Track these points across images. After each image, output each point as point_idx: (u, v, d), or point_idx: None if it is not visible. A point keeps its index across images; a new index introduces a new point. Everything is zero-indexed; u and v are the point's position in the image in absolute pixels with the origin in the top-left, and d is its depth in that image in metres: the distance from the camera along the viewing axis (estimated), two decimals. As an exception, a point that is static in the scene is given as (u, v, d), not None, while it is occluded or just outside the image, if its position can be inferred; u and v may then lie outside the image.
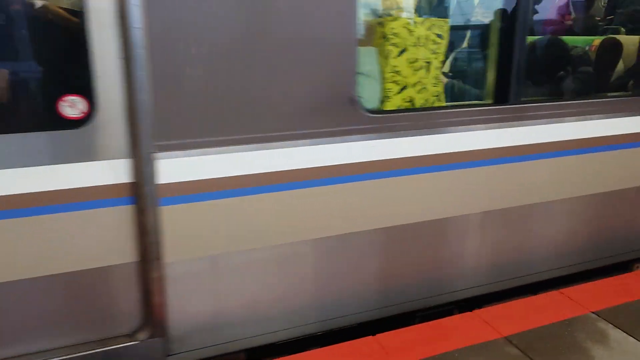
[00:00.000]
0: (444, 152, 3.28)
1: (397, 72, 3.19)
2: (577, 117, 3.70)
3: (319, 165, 2.96)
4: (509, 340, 3.13)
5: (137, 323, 2.87)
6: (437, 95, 3.35)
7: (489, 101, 3.52)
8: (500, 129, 3.45)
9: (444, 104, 3.42)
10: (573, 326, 3.28)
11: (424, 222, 3.37)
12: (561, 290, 3.73)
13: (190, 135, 2.66)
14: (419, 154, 3.23)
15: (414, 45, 3.20)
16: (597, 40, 4.30)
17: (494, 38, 3.47)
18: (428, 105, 3.33)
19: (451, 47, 3.83)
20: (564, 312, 3.44)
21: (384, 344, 3.10)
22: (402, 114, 3.19)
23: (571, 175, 3.76)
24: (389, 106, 3.21)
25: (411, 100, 3.27)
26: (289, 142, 2.86)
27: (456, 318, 3.39)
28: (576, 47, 4.19)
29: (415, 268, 3.46)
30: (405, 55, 3.19)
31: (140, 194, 2.63)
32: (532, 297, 3.67)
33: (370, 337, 3.17)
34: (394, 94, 3.21)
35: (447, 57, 3.83)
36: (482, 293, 3.78)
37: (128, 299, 2.81)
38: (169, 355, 2.96)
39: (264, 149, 2.81)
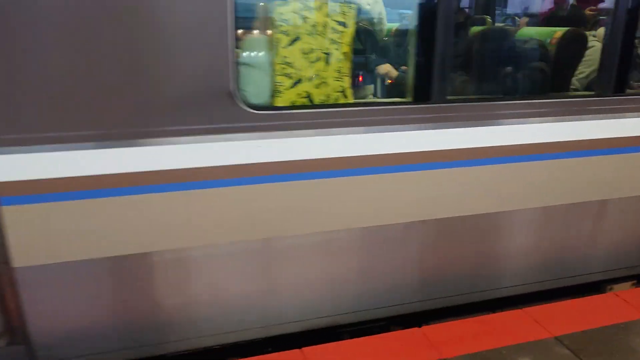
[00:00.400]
0: (346, 155, 2.91)
1: (289, 64, 2.82)
2: (520, 119, 3.25)
3: (187, 166, 2.65)
4: (559, 340, 3.06)
5: None
6: (341, 91, 2.96)
7: (408, 99, 3.11)
8: (419, 131, 3.04)
9: (352, 100, 3.03)
10: (629, 330, 3.17)
11: (301, 235, 3.03)
12: (616, 292, 3.70)
13: (31, 130, 2.40)
14: (314, 157, 2.86)
15: (309, 34, 2.83)
16: (558, 32, 3.79)
17: (415, 26, 3.05)
18: (331, 102, 2.95)
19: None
20: (620, 315, 3.33)
21: (430, 336, 3.08)
22: (293, 111, 2.84)
23: (506, 185, 3.30)
24: (281, 102, 2.85)
25: (308, 96, 2.90)
26: (148, 140, 2.56)
27: (504, 315, 3.33)
28: (529, 39, 3.70)
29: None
30: (298, 45, 2.82)
31: None
32: (584, 297, 3.59)
33: (416, 328, 3.15)
34: (287, 89, 2.85)
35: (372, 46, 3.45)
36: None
37: None
38: (35, 363, 2.74)
39: (116, 147, 2.52)
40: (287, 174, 2.84)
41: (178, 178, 2.66)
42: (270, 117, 2.79)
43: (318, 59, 2.87)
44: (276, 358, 2.90)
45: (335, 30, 2.87)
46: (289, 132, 2.82)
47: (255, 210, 2.83)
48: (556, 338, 3.08)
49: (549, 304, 3.46)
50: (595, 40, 3.93)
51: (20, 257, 2.54)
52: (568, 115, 3.37)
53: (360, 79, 3.43)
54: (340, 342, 3.11)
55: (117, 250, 2.69)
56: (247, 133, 2.75)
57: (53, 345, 2.77)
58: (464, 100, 3.21)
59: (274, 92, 2.85)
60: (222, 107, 2.66)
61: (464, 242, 3.38)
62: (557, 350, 2.97)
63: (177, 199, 2.67)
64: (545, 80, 3.57)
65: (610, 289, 4.13)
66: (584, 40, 3.78)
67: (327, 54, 2.88)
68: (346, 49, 2.93)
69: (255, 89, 2.81)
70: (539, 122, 3.28)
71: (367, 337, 3.07)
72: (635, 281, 4.23)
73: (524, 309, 3.41)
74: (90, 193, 2.55)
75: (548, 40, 3.81)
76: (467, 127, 3.13)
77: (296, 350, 2.95)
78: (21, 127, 2.38)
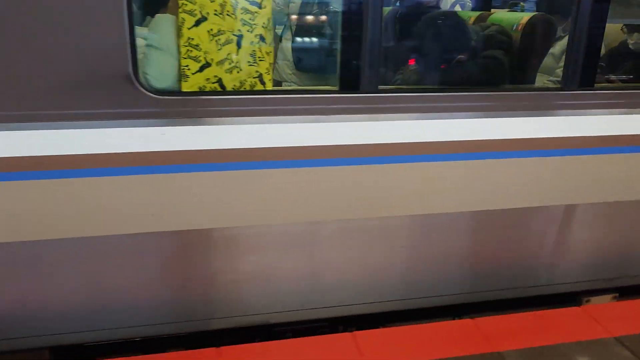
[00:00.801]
0: (258, 146, 2.72)
1: (195, 46, 2.63)
2: (465, 112, 2.96)
3: (83, 152, 2.52)
4: (620, 341, 2.95)
5: None
6: (257, 77, 2.75)
7: (334, 88, 2.88)
8: (345, 123, 2.82)
9: (271, 87, 2.81)
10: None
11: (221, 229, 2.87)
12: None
13: None
14: (224, 147, 2.69)
15: (217, 14, 2.62)
16: (525, 17, 3.45)
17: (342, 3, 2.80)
18: (245, 88, 2.75)
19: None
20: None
21: (483, 328, 3.01)
22: (200, 97, 2.66)
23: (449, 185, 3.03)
24: (189, 87, 2.67)
25: (219, 81, 2.70)
26: (38, 123, 2.44)
27: (562, 311, 3.24)
28: (488, 25, 3.37)
29: None
30: (205, 26, 2.62)
31: None
32: None
33: (469, 319, 3.11)
34: (193, 73, 2.66)
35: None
36: None
37: None
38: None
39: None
40: (193, 164, 2.68)
41: (73, 164, 2.53)
42: (175, 102, 2.63)
43: (228, 42, 2.67)
44: (325, 340, 2.89)
45: (247, 11, 2.66)
46: (196, 119, 2.65)
47: (157, 202, 2.69)
48: (616, 338, 2.96)
49: (609, 304, 3.43)
50: None
51: None
52: (525, 110, 3.06)
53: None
54: (390, 328, 3.09)
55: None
56: (150, 119, 2.60)
57: None
58: (399, 91, 2.94)
59: (180, 77, 2.67)
60: (120, 91, 2.51)
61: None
62: (617, 351, 2.86)
63: (72, 186, 2.55)
64: (501, 71, 3.24)
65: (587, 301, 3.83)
66: (552, 26, 3.41)
67: (238, 36, 2.68)
68: (261, 31, 2.71)
69: (159, 72, 2.64)
70: (487, 117, 2.98)
71: (419, 325, 3.08)
72: (617, 294, 3.88)
73: (582, 306, 3.34)
74: None
75: (515, 27, 3.47)
76: (402, 120, 2.87)
77: (347, 334, 2.94)
78: None
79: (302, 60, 3.44)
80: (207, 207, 2.75)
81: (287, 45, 3.66)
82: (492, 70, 3.16)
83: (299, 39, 3.50)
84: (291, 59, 3.52)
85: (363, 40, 2.71)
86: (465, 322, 3.07)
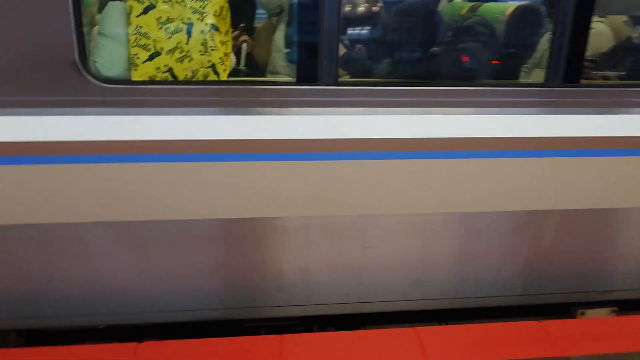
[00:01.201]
0: (207, 138, 2.65)
1: (144, 35, 2.58)
2: (425, 108, 2.80)
3: (28, 140, 2.52)
4: None
5: None
6: (209, 67, 2.68)
7: (292, 80, 2.78)
8: (302, 116, 2.72)
9: (225, 78, 2.74)
10: None
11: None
12: None
13: None
14: (171, 138, 2.64)
15: (165, 2, 2.57)
16: (510, 7, 3.23)
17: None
18: (197, 78, 2.68)
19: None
20: None
21: (549, 330, 2.97)
22: (149, 86, 2.61)
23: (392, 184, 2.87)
24: (138, 76, 2.63)
25: (170, 70, 2.65)
26: None
27: (629, 318, 3.17)
28: (467, 16, 3.17)
29: None
30: (153, 14, 2.57)
31: None
32: None
33: (534, 322, 3.06)
34: (143, 62, 2.62)
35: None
36: None
37: None
38: None
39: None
40: (139, 155, 2.64)
41: (17, 151, 2.54)
42: (124, 91, 2.59)
43: (177, 31, 2.60)
44: (386, 334, 2.89)
45: (197, -1, 2.60)
46: (146, 109, 2.61)
47: (103, 191, 2.66)
48: None
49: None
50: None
51: None
52: (504, 107, 2.87)
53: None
54: (453, 325, 3.12)
55: None
56: (98, 108, 2.57)
57: None
58: (360, 84, 2.81)
59: (130, 65, 2.63)
60: (67, 79, 2.50)
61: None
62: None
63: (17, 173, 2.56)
64: (481, 64, 3.05)
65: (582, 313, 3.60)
66: (538, 17, 3.19)
67: (187, 24, 2.61)
68: (213, 19, 2.64)
69: (108, 60, 2.61)
70: (461, 114, 2.82)
71: (482, 324, 3.04)
72: (617, 307, 3.62)
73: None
74: None
75: (500, 18, 3.26)
76: (362, 114, 2.75)
77: (409, 329, 2.94)
78: None
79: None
80: (149, 197, 2.71)
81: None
82: (474, 62, 2.98)
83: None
84: (283, 51, 3.38)
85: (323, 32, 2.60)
86: (531, 324, 3.01)
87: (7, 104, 2.47)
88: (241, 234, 2.87)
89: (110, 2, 2.66)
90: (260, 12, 3.16)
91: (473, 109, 2.80)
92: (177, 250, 2.84)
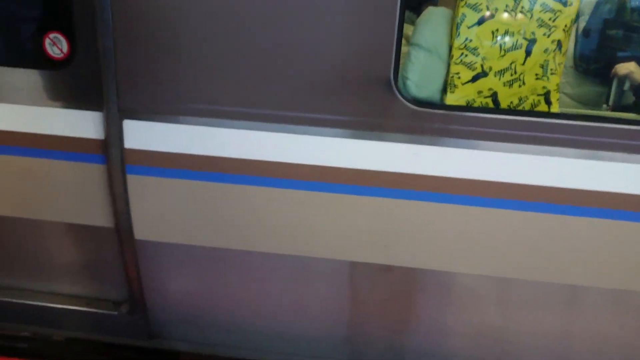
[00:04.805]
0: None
1: (472, 50, 2.10)
2: None
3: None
4: None
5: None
6: (542, 94, 2.13)
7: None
8: None
9: (557, 110, 2.17)
10: None
11: None
12: None
13: None
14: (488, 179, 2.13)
15: (509, 11, 2.05)
16: None
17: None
18: (524, 108, 2.15)
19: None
20: None
21: None
22: (467, 113, 2.12)
23: None
24: (454, 100, 2.16)
25: (493, 96, 2.15)
26: None
27: None
28: None
29: None
30: (489, 25, 2.07)
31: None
32: None
33: None
34: (463, 83, 2.14)
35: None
36: None
37: None
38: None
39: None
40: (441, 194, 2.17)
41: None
42: (436, 117, 2.10)
43: (515, 47, 2.08)
44: None
45: (548, 9, 2.04)
46: (458, 140, 2.13)
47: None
48: None
49: None
50: None
51: (141, 230, 2.39)
52: None
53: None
54: None
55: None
56: (400, 134, 2.14)
57: (166, 321, 2.67)
58: None
59: (447, 86, 2.16)
60: (376, 98, 2.08)
61: None
62: None
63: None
64: None
65: None
66: None
67: (530, 40, 2.07)
68: (561, 36, 2.07)
69: (421, 78, 2.16)
70: None
71: None
72: None
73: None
74: None
75: None
76: None
77: None
78: None
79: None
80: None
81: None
82: None
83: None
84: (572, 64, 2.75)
85: None
86: None
87: (304, 121, 2.11)
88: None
89: (431, 8, 2.22)
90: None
91: None
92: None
